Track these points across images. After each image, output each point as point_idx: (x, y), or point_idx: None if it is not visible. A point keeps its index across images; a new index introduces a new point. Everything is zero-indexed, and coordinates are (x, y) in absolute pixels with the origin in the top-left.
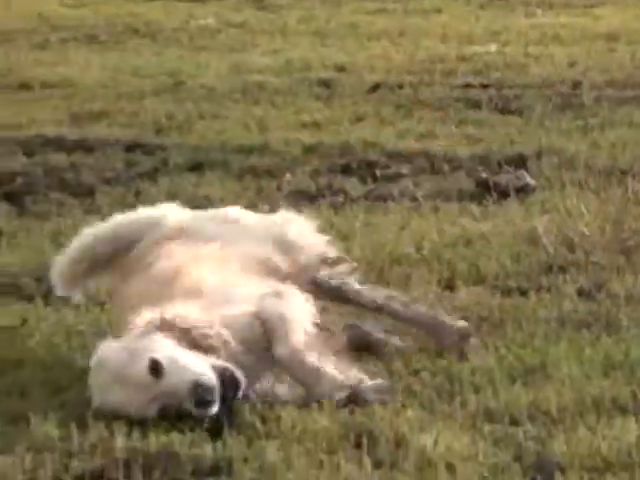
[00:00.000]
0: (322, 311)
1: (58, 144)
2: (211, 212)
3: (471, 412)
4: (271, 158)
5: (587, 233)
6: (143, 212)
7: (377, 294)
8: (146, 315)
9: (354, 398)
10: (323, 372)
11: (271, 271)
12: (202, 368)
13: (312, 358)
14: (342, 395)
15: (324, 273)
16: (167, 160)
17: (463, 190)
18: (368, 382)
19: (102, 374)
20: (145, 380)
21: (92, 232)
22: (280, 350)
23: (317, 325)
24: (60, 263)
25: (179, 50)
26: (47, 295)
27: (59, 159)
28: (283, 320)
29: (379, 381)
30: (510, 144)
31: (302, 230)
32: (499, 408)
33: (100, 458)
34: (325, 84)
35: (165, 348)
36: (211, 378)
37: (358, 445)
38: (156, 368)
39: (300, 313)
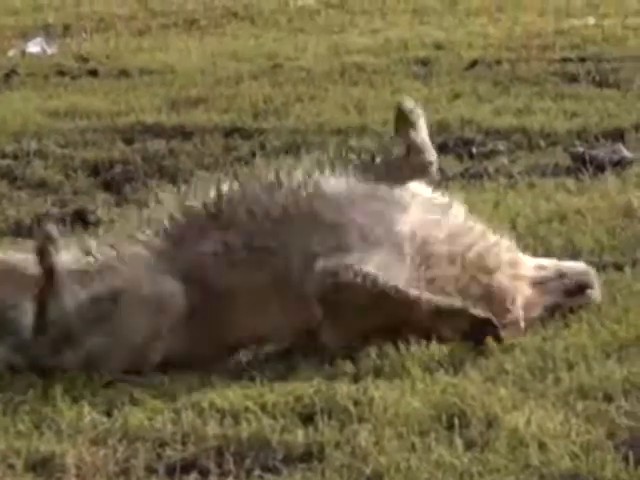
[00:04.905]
0: None
1: (156, 131)
2: None
3: (564, 389)
4: (369, 139)
5: None
6: None
7: None
8: None
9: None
10: None
11: None
12: None
13: None
14: None
15: None
16: (265, 144)
17: (559, 165)
18: None
19: None
20: None
21: None
22: None
23: None
24: None
25: (277, 32)
26: None
27: (157, 146)
28: None
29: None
30: (608, 118)
31: None
32: (593, 384)
33: (192, 447)
34: (423, 62)
35: None
36: None
37: (450, 426)
38: None
39: None
